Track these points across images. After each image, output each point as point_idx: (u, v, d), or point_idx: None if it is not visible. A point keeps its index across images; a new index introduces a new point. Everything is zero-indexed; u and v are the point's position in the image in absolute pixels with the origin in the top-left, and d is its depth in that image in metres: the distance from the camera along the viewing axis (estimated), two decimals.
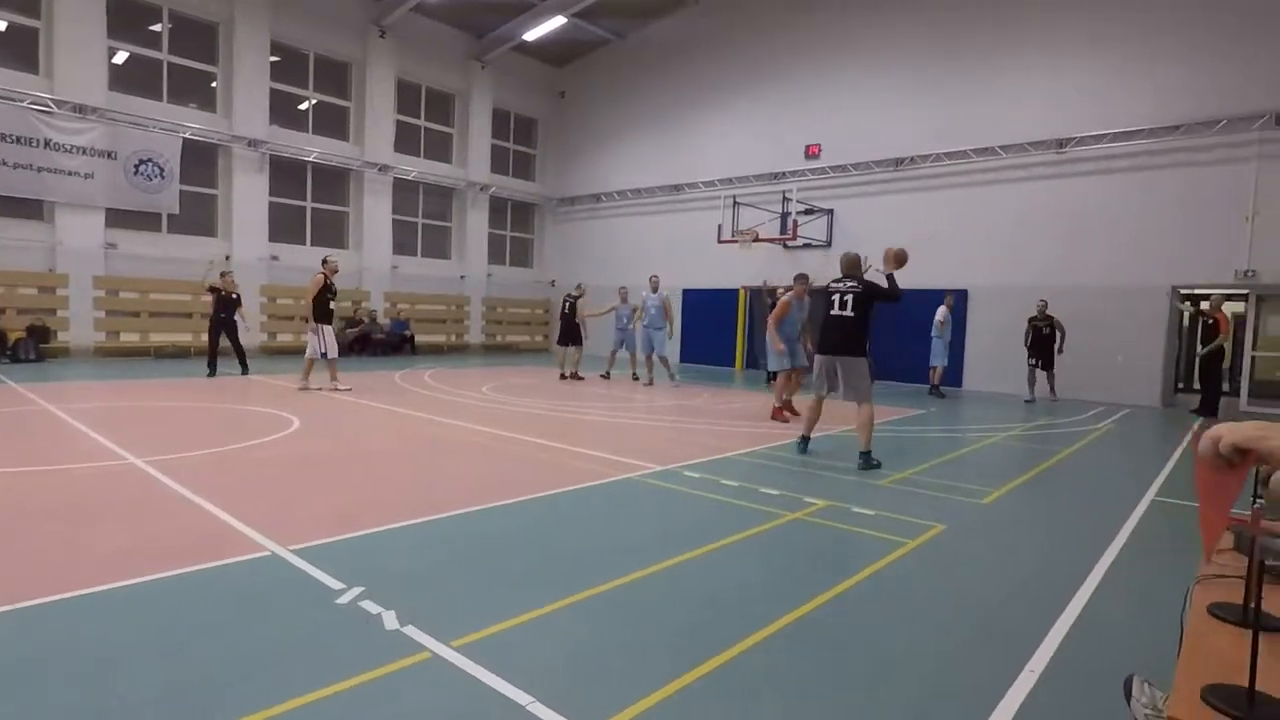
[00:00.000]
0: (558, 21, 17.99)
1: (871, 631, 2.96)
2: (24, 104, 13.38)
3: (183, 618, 2.85)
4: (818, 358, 6.84)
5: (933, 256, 14.81)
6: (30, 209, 14.00)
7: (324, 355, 10.29)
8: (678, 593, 3.30)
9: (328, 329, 10.39)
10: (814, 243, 16.41)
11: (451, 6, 18.66)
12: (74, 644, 2.60)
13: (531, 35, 18.90)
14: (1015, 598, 3.44)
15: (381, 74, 18.47)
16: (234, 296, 12.03)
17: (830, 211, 16.37)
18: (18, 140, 13.34)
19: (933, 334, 13.07)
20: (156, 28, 15.33)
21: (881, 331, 15.43)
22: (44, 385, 9.83)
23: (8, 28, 13.71)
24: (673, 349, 14.21)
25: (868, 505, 4.90)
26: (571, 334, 13.33)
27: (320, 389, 10.13)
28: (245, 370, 12.17)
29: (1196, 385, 11.95)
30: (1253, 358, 12.46)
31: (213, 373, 11.70)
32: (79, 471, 5.19)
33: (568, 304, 13.44)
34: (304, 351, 10.62)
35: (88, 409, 8.00)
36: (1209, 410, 11.30)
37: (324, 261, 10.83)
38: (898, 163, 15.26)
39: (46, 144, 13.68)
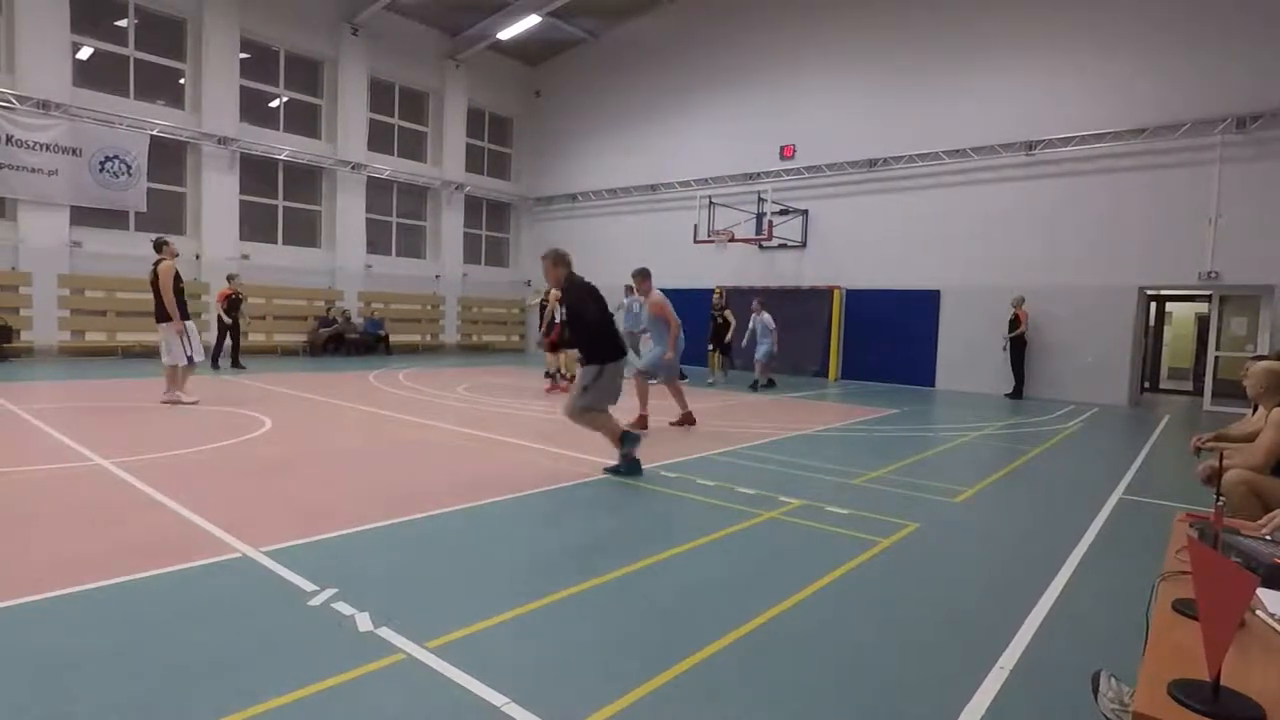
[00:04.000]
0: (532, 20, 17.91)
1: (845, 630, 2.99)
2: None
3: (151, 621, 2.79)
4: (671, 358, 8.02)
5: (906, 257, 15.02)
6: None
7: (190, 360, 8.64)
8: (654, 592, 3.30)
9: (192, 327, 8.72)
10: (789, 243, 16.53)
11: (425, 4, 18.50)
12: (37, 649, 2.52)
13: (506, 34, 18.78)
14: (987, 595, 3.49)
15: (354, 72, 18.24)
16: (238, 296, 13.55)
17: (805, 212, 16.50)
18: None
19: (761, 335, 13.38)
20: (122, 23, 14.99)
21: (863, 334, 15.64)
22: (6, 385, 9.56)
23: None
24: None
25: (842, 504, 4.94)
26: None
27: (196, 401, 8.60)
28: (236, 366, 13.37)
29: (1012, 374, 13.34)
30: (1216, 358, 12.78)
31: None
32: (42, 473, 5.05)
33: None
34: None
35: (52, 409, 7.79)
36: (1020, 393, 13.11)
37: (165, 244, 8.77)
38: (871, 164, 15.42)
39: (8, 140, 13.32)
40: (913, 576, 3.68)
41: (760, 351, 13.26)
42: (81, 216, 14.49)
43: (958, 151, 14.24)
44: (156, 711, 2.19)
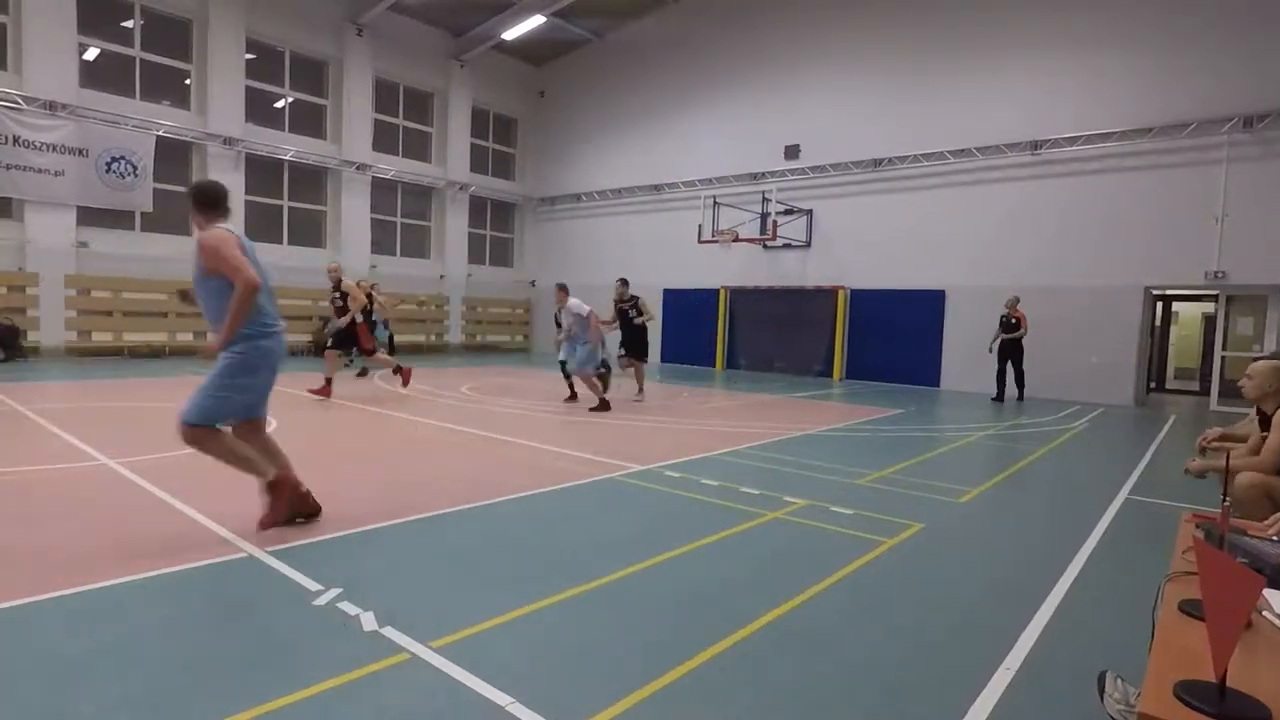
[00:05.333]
0: (537, 21, 17.93)
1: (850, 630, 2.98)
2: None
3: (155, 621, 2.80)
4: None
5: (910, 258, 14.99)
6: None
7: None
8: (658, 592, 3.30)
9: None
10: (794, 243, 16.52)
11: (430, 5, 18.53)
12: (42, 648, 2.54)
13: (510, 34, 18.81)
14: (992, 596, 3.48)
15: (359, 72, 18.28)
16: None
17: (809, 212, 16.48)
18: None
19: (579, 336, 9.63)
20: (128, 24, 15.05)
21: (867, 334, 15.62)
22: (13, 385, 9.60)
23: None
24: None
25: (846, 505, 4.93)
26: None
27: None
28: None
29: (1008, 376, 12.80)
30: (1223, 358, 12.73)
31: None
32: (49, 473, 5.08)
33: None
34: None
35: (59, 409, 7.82)
36: (1020, 394, 12.73)
37: None
38: (876, 163, 15.40)
39: (15, 141, 13.38)
40: (917, 577, 3.67)
41: (581, 354, 9.47)
42: (88, 217, 14.54)
43: (962, 151, 14.21)
44: (161, 711, 2.20)
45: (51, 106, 13.75)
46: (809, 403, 11.59)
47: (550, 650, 2.69)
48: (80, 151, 14.15)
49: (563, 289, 9.90)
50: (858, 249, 15.75)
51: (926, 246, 14.77)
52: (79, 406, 8.32)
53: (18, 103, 13.38)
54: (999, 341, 12.61)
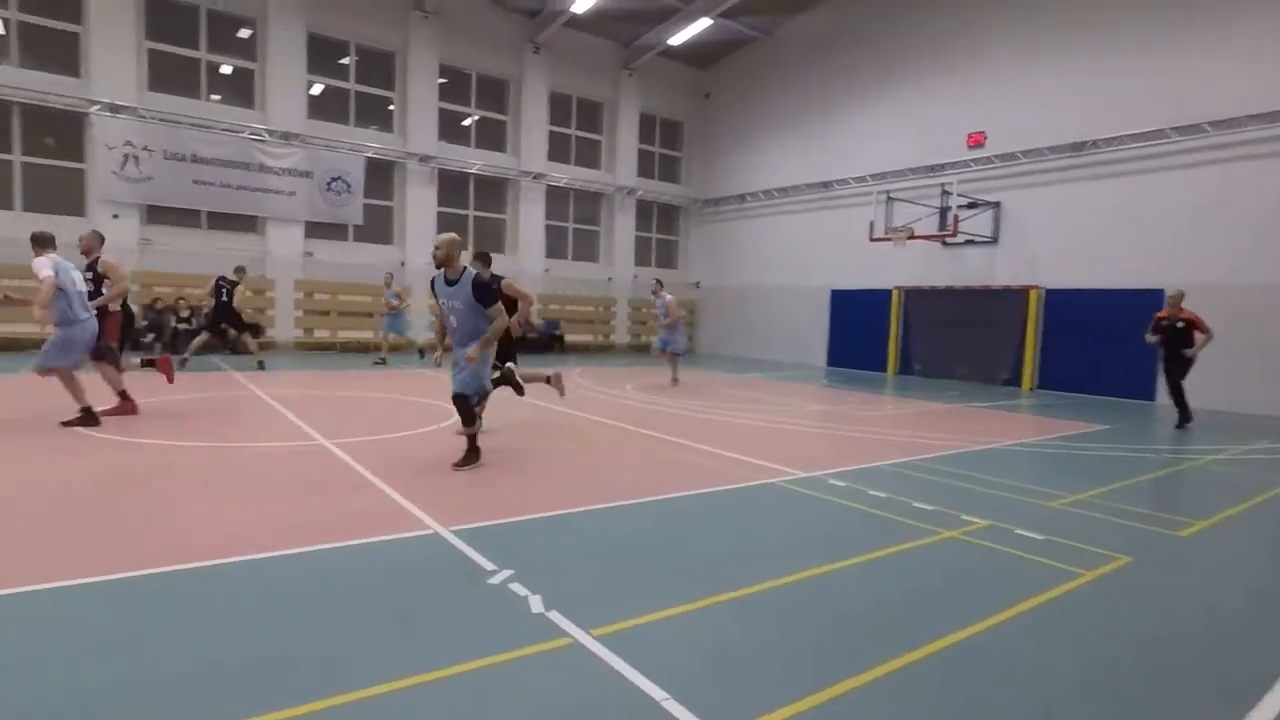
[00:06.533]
0: (703, 24, 18.05)
1: (1037, 666, 2.68)
2: (243, 134, 15.52)
3: (344, 585, 3.15)
4: None
5: (1119, 252, 13.26)
6: (247, 224, 16.21)
7: None
8: (821, 603, 3.18)
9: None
10: (977, 239, 15.24)
11: (600, 19, 19.22)
12: (239, 601, 2.92)
13: (677, 39, 19.09)
14: (1220, 644, 2.98)
15: (536, 88, 19.44)
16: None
17: (997, 204, 15.13)
18: (239, 166, 15.52)
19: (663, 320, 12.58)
20: (345, 61, 17.14)
21: (1065, 339, 14.06)
22: (256, 374, 11.31)
23: (233, 71, 15.95)
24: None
25: (1035, 528, 4.45)
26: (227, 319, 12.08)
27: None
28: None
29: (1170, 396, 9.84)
30: None
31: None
32: (275, 449, 5.90)
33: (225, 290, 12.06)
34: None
35: (287, 395, 9.07)
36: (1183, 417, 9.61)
37: None
38: (1076, 147, 13.79)
39: (260, 168, 15.76)
40: (1121, 615, 3.23)
41: (665, 338, 12.54)
42: (312, 230, 16.77)
43: (1190, 127, 12.29)
44: (335, 666, 2.45)
45: (286, 136, 15.98)
46: (993, 413, 10.64)
47: (711, 650, 2.68)
48: (307, 174, 16.34)
49: (41, 242, 6.46)
50: (1054, 244, 14.20)
51: (1138, 240, 12.97)
52: (303, 393, 9.57)
53: (263, 135, 15.71)
54: (1161, 352, 9.91)
